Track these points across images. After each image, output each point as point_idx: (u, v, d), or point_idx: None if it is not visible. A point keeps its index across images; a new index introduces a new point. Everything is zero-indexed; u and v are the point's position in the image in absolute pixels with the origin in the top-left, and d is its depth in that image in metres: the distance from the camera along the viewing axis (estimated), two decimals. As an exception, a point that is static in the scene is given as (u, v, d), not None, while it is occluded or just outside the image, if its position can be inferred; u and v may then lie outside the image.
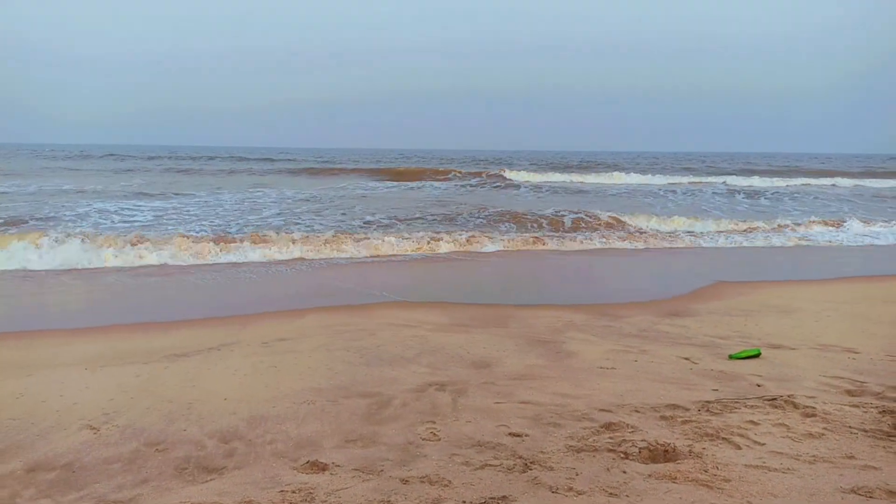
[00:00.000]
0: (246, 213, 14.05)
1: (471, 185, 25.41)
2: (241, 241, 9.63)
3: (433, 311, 5.84)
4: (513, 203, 17.88)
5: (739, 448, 2.80)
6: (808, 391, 3.59)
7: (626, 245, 10.84)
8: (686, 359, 4.33)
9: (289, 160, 44.97)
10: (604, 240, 11.24)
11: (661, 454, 2.76)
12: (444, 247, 9.93)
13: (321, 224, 12.34)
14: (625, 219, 13.16)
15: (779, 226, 13.23)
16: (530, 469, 2.64)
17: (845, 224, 13.50)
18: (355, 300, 6.44)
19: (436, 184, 25.80)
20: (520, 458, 2.75)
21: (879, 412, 3.20)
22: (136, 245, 8.59)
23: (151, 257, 8.32)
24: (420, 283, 7.87)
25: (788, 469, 2.59)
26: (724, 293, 6.87)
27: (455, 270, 8.61)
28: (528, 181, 27.65)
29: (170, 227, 11.57)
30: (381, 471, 2.66)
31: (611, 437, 2.94)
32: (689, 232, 12.37)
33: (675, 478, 2.52)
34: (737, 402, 3.39)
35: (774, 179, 29.61)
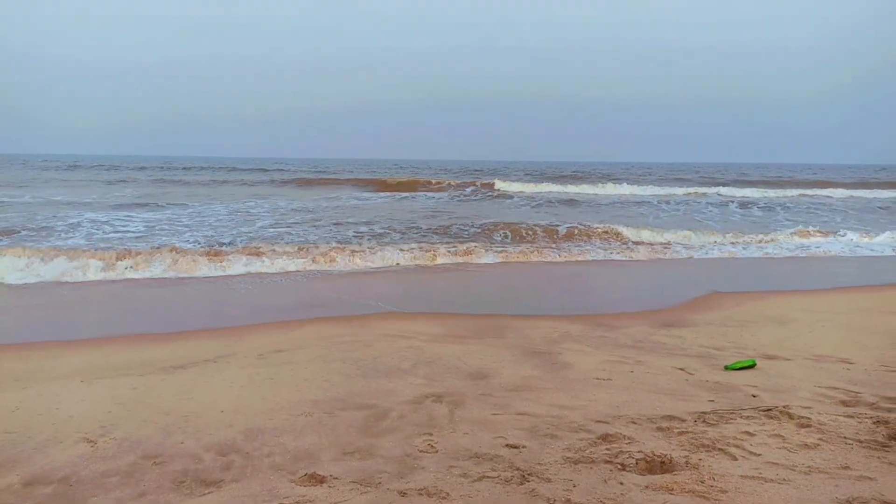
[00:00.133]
0: (239, 224, 14.04)
1: (464, 195, 25.51)
2: (234, 253, 9.64)
3: (429, 322, 5.85)
4: (506, 214, 17.94)
5: (735, 459, 2.82)
6: (803, 402, 3.62)
7: (619, 256, 10.89)
8: (682, 369, 4.35)
9: (281, 170, 45.04)
10: (598, 250, 11.30)
11: (658, 465, 2.78)
12: (439, 258, 9.95)
13: (315, 235, 12.35)
14: (619, 229, 13.22)
15: (772, 237, 13.31)
16: (528, 481, 2.65)
17: (839, 234, 13.61)
18: (351, 311, 6.45)
19: (429, 194, 25.89)
20: (517, 469, 2.76)
21: (874, 422, 3.23)
22: (122, 259, 8.54)
23: (143, 272, 8.28)
24: (415, 293, 7.88)
25: (784, 480, 2.61)
26: (719, 304, 6.91)
27: (450, 281, 8.63)
28: (520, 192, 27.69)
29: (163, 238, 11.57)
30: (379, 483, 2.66)
31: (607, 449, 2.95)
32: (682, 243, 12.44)
33: (672, 489, 2.54)
34: (732, 413, 3.41)
35: (767, 190, 29.80)
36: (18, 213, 15.02)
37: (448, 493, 2.55)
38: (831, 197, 27.16)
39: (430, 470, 2.78)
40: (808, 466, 2.73)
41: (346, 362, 4.53)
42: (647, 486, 2.57)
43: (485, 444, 3.06)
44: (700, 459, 2.81)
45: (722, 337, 5.35)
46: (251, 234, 12.28)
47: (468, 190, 28.34)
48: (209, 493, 2.61)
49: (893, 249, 12.21)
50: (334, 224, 14.37)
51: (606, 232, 13.03)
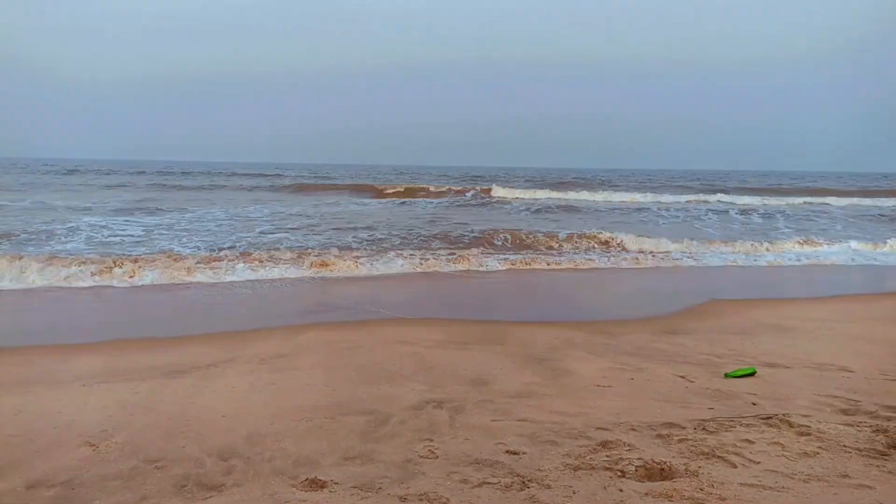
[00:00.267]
0: (238, 229, 14.07)
1: (463, 201, 25.54)
2: (233, 259, 9.68)
3: (430, 328, 5.87)
4: (505, 220, 17.96)
5: (735, 467, 2.83)
6: (802, 410, 3.63)
7: (619, 263, 10.91)
8: (682, 377, 4.36)
9: (280, 175, 45.14)
10: (597, 258, 11.32)
11: (658, 472, 2.79)
12: (439, 264, 9.97)
13: (314, 241, 12.36)
14: (617, 236, 13.24)
15: (772, 245, 13.32)
16: (528, 487, 2.66)
17: (840, 243, 13.62)
18: (352, 317, 6.47)
19: (428, 200, 25.89)
20: (517, 475, 2.77)
21: (873, 431, 3.24)
22: (122, 265, 8.54)
23: (142, 277, 8.28)
24: (416, 299, 7.90)
25: (783, 488, 2.62)
26: (719, 311, 6.92)
27: (450, 287, 8.65)
28: (519, 198, 27.69)
29: (162, 243, 11.59)
30: (380, 488, 2.67)
31: (607, 456, 2.96)
32: (682, 250, 12.45)
33: (672, 496, 2.55)
34: (732, 421, 3.42)
35: (768, 197, 29.84)
36: (17, 217, 15.07)
37: (448, 499, 2.56)
38: (831, 205, 27.20)
39: (430, 476, 2.79)
40: (808, 475, 2.74)
41: (347, 368, 4.55)
42: (646, 493, 2.58)
43: (485, 450, 3.07)
44: (699, 467, 2.82)
45: (722, 344, 5.36)
46: (251, 240, 12.30)
47: (468, 195, 28.40)
48: (210, 497, 2.62)
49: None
50: (334, 229, 14.40)
51: (606, 240, 13.04)
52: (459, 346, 5.26)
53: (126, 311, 6.91)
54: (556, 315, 6.87)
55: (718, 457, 2.93)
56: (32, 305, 7.02)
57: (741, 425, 3.35)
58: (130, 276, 8.31)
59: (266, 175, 45.96)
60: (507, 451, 3.04)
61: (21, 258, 8.67)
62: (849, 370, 4.53)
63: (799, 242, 13.56)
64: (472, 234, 13.49)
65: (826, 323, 6.30)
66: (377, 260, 10.07)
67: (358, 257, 10.24)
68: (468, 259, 10.38)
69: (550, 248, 12.40)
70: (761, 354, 5.02)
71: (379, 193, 29.75)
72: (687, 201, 28.02)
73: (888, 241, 13.70)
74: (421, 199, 26.52)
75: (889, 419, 3.44)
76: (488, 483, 2.70)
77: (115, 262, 8.81)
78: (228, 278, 8.53)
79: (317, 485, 2.71)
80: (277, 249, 10.81)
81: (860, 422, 3.40)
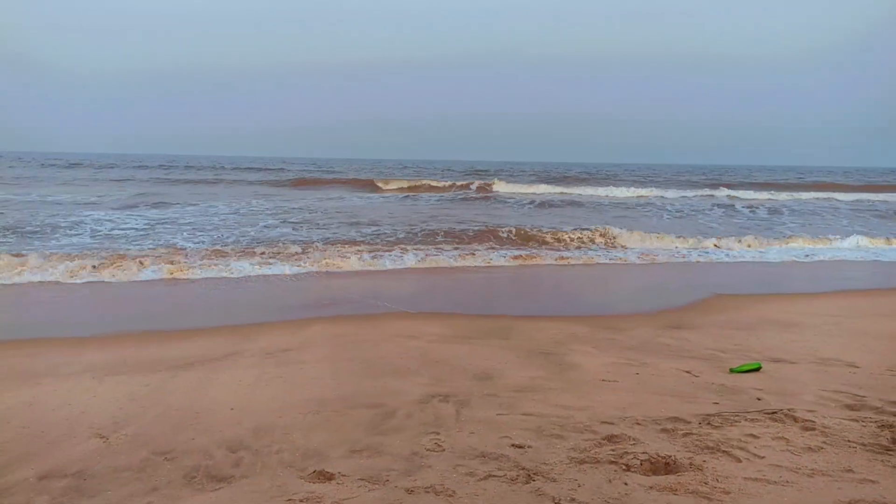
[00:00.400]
0: (242, 223, 14.11)
1: (467, 196, 25.52)
2: (238, 253, 9.74)
3: (435, 323, 5.89)
4: (509, 215, 17.95)
5: (739, 461, 2.84)
6: (807, 405, 3.64)
7: (622, 258, 10.90)
8: (687, 372, 4.37)
9: (284, 170, 45.20)
10: (601, 253, 11.31)
11: (662, 466, 2.81)
12: (443, 259, 9.99)
13: (318, 235, 12.40)
14: (622, 232, 13.22)
15: (777, 239, 13.28)
16: (533, 480, 2.68)
17: (845, 238, 13.56)
18: (357, 311, 6.50)
19: (432, 195, 25.88)
20: (523, 469, 2.79)
21: (878, 426, 3.25)
22: (130, 258, 8.58)
23: (147, 272, 8.32)
24: (421, 294, 7.92)
25: (787, 482, 2.63)
26: (724, 306, 6.92)
27: (455, 282, 8.67)
28: (523, 193, 27.60)
29: (166, 237, 11.64)
30: (387, 480, 2.70)
31: (612, 450, 2.98)
32: (685, 245, 12.43)
33: (676, 490, 2.57)
34: (737, 416, 3.43)
35: (774, 192, 29.69)
36: (22, 211, 15.16)
37: (455, 492, 2.59)
38: (839, 200, 27.03)
39: (436, 468, 2.82)
40: (812, 469, 2.76)
41: (353, 362, 4.58)
42: (651, 487, 2.60)
43: (491, 443, 3.10)
44: (704, 461, 2.84)
45: (727, 339, 5.37)
46: (255, 234, 12.34)
47: (471, 189, 28.37)
48: (220, 488, 2.66)
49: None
50: (337, 224, 14.43)
51: (607, 234, 13.02)
52: (464, 340, 5.28)
53: (132, 304, 6.96)
54: (560, 309, 6.89)
55: (723, 451, 2.94)
56: (39, 299, 7.08)
57: (746, 420, 3.36)
58: (135, 270, 8.36)
59: (269, 169, 46.05)
60: (512, 445, 3.07)
61: (27, 253, 8.73)
62: (854, 366, 4.53)
63: (804, 239, 13.51)
64: (476, 229, 13.50)
65: (831, 318, 6.29)
66: (382, 254, 10.10)
67: (362, 252, 10.28)
68: (472, 254, 10.40)
69: (553, 243, 12.39)
70: (766, 349, 5.02)
71: (382, 188, 29.75)
72: (691, 196, 27.90)
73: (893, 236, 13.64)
74: (424, 194, 26.52)
75: (894, 415, 3.44)
76: (494, 476, 2.73)
77: (120, 256, 8.87)
78: (233, 272, 8.57)
79: (324, 477, 2.74)
80: (282, 244, 10.86)
81: (865, 417, 3.41)
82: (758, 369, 4.40)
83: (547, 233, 13.04)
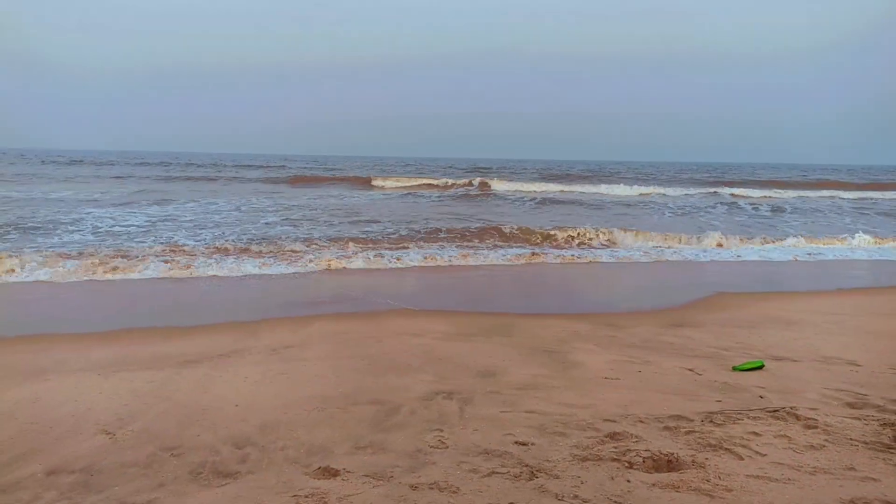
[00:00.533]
0: (243, 221, 14.13)
1: (467, 193, 25.55)
2: (240, 251, 9.78)
3: (438, 320, 5.92)
4: (508, 214, 17.95)
5: (742, 459, 2.86)
6: (810, 403, 3.65)
7: (623, 256, 10.91)
8: (690, 370, 4.39)
9: (284, 167, 45.29)
10: (602, 251, 11.32)
11: (665, 464, 2.82)
12: (444, 256, 10.00)
13: (319, 232, 12.42)
14: (623, 230, 13.22)
15: (780, 239, 13.27)
16: (536, 477, 2.70)
17: (848, 237, 13.55)
18: (360, 308, 6.52)
19: (433, 193, 25.89)
20: (526, 466, 2.81)
21: (880, 424, 3.26)
22: (133, 257, 8.61)
23: (150, 270, 8.35)
24: (424, 291, 7.94)
25: (789, 480, 2.65)
26: (726, 304, 6.93)
27: (456, 279, 8.69)
28: (525, 191, 27.52)
29: (168, 234, 11.67)
30: (391, 477, 2.72)
31: (615, 447, 3.00)
32: (688, 244, 12.43)
33: (678, 487, 2.58)
34: (740, 414, 3.44)
35: (777, 190, 29.64)
36: (24, 208, 15.22)
37: (458, 488, 2.61)
38: (842, 198, 26.97)
39: (440, 465, 2.84)
40: (814, 467, 2.77)
41: (356, 359, 4.60)
42: (653, 484, 2.62)
43: (494, 440, 3.12)
44: (706, 459, 2.85)
45: (729, 337, 5.38)
46: (256, 231, 12.36)
47: (473, 187, 28.37)
48: (226, 484, 2.68)
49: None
50: (339, 221, 14.45)
51: (610, 232, 13.02)
52: (467, 337, 5.30)
53: (135, 301, 6.99)
54: (562, 307, 6.90)
55: (725, 449, 2.96)
56: (42, 297, 7.11)
57: (748, 418, 3.37)
58: (139, 268, 8.39)
59: (270, 166, 46.11)
60: (515, 442, 3.09)
61: (29, 251, 8.77)
62: (856, 364, 4.54)
63: (807, 237, 13.50)
64: (478, 227, 13.52)
65: (833, 316, 6.30)
66: (384, 252, 10.12)
67: (364, 249, 10.30)
68: (474, 251, 10.41)
69: (555, 241, 12.40)
70: (769, 347, 5.03)
71: (383, 185, 29.77)
72: (694, 194, 27.85)
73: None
74: (425, 191, 26.55)
75: (896, 413, 3.46)
76: (497, 473, 2.75)
77: (122, 253, 8.89)
78: (235, 270, 8.59)
79: (329, 473, 2.76)
80: (284, 241, 10.88)
81: (867, 415, 3.43)
82: (760, 367, 4.42)
83: (548, 231, 13.05)
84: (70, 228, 12.11)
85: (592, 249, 11.62)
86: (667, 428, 3.24)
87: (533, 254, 10.59)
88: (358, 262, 9.38)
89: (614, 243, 12.37)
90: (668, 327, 5.77)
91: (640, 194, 27.08)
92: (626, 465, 2.80)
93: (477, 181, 30.15)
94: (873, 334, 5.61)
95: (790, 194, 28.26)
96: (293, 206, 18.06)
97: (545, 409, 3.58)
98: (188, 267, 8.55)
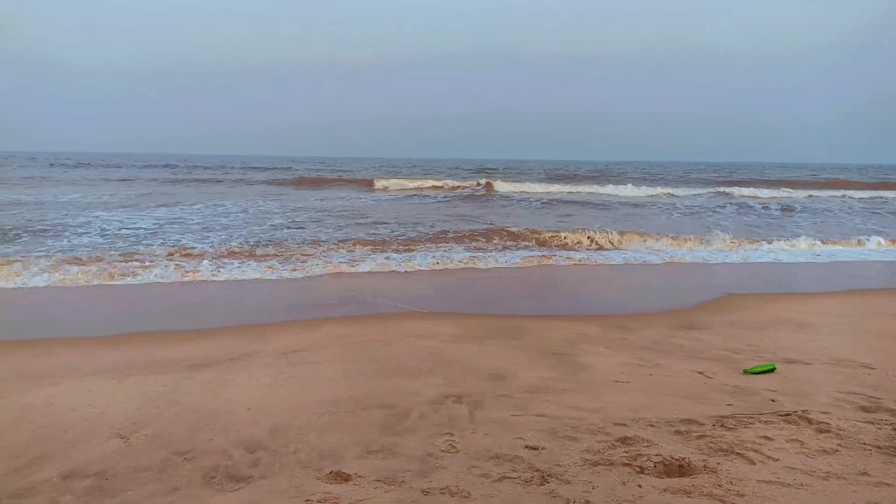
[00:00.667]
0: (250, 223, 14.19)
1: (473, 194, 25.55)
2: (247, 253, 9.83)
3: (447, 323, 5.92)
4: (514, 215, 17.92)
5: (754, 463, 2.85)
6: (822, 407, 3.63)
7: (634, 258, 10.88)
8: (700, 373, 4.37)
9: (290, 169, 45.54)
10: (610, 252, 11.29)
11: (676, 469, 2.82)
12: (451, 258, 10.01)
13: (325, 234, 12.45)
14: (630, 231, 13.18)
15: (790, 239, 13.18)
16: (547, 482, 2.70)
17: (859, 237, 13.44)
18: (369, 311, 6.54)
19: (438, 194, 25.91)
20: (537, 470, 2.82)
21: (894, 429, 3.24)
22: (142, 260, 8.68)
23: (159, 273, 8.40)
24: (432, 293, 7.95)
25: (802, 485, 2.64)
26: (736, 306, 6.89)
27: (465, 281, 8.69)
28: (533, 191, 27.50)
29: (176, 237, 11.74)
30: (403, 482, 2.73)
31: (626, 452, 2.99)
32: (697, 246, 12.37)
33: (690, 492, 2.58)
34: (751, 418, 3.43)
35: (787, 190, 29.45)
36: (33, 211, 15.37)
37: (469, 493, 2.61)
38: (853, 198, 26.76)
39: (451, 469, 2.85)
40: (827, 472, 2.76)
41: (366, 362, 4.62)
42: (665, 490, 2.61)
43: (505, 444, 3.12)
44: (718, 463, 2.85)
45: (740, 339, 5.35)
46: (263, 234, 12.41)
47: (479, 188, 28.37)
48: (239, 488, 2.70)
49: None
50: (346, 223, 14.48)
51: (618, 234, 12.98)
52: (476, 340, 5.30)
53: (145, 305, 7.03)
54: (570, 309, 6.89)
55: (737, 453, 2.95)
56: (53, 300, 7.18)
57: (760, 422, 3.36)
58: (144, 271, 8.44)
59: (276, 168, 46.33)
60: (526, 446, 3.09)
61: (37, 256, 8.84)
62: (869, 367, 4.51)
63: (818, 240, 13.41)
64: (484, 228, 13.51)
65: (845, 318, 6.25)
66: (391, 254, 10.14)
67: (371, 251, 10.32)
68: (482, 252, 10.40)
69: (562, 242, 12.38)
70: (780, 350, 5.01)
71: (388, 187, 29.82)
72: (702, 194, 27.71)
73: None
74: (431, 193, 26.58)
75: (909, 417, 3.43)
76: (508, 477, 2.75)
77: (131, 256, 8.95)
78: (243, 273, 8.64)
79: (341, 477, 2.78)
80: (291, 243, 10.92)
81: (880, 419, 3.40)
82: (772, 370, 4.39)
83: (556, 232, 13.02)
84: (79, 231, 12.21)
85: (600, 251, 11.59)
86: (678, 432, 3.23)
87: (542, 255, 10.57)
88: (366, 265, 9.41)
89: (622, 244, 12.33)
90: (678, 329, 5.75)
91: (648, 195, 26.94)
92: (638, 469, 2.80)
93: (483, 182, 30.11)
94: (886, 336, 5.57)
95: (800, 194, 28.08)
96: (299, 207, 18.12)
97: (555, 412, 3.58)
98: (196, 271, 8.60)
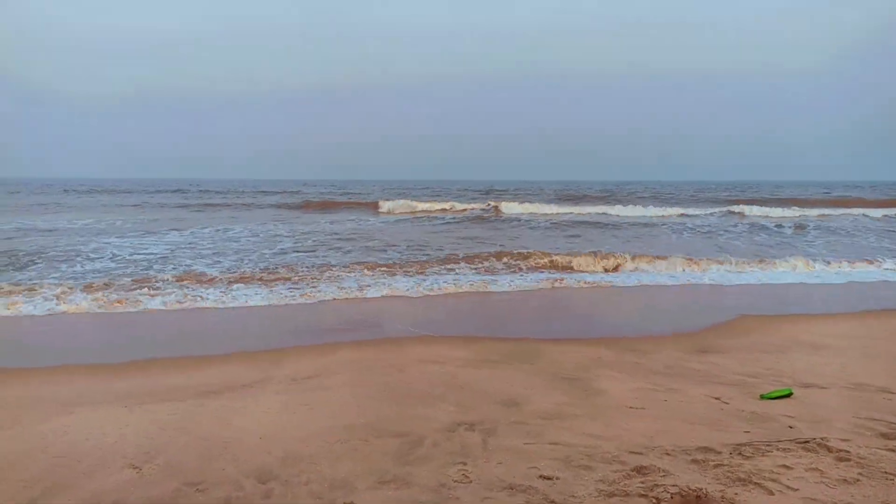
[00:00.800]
0: (261, 247, 14.28)
1: (484, 215, 25.61)
2: (259, 278, 9.90)
3: (459, 347, 5.90)
4: (523, 237, 17.90)
5: (772, 494, 2.79)
6: (841, 433, 3.56)
7: (647, 281, 10.81)
8: (716, 398, 4.31)
9: (298, 192, 46.17)
10: (622, 274, 11.23)
11: (694, 500, 2.77)
12: (461, 282, 10.00)
13: (335, 259, 12.49)
14: (641, 253, 13.12)
15: (803, 260, 13.06)
16: (563, 513, 2.66)
17: (874, 258, 13.28)
18: (381, 335, 6.53)
19: (446, 216, 26.00)
20: (551, 501, 2.78)
21: (916, 456, 3.17)
22: (141, 288, 8.75)
23: (170, 298, 8.47)
24: (443, 317, 7.93)
25: (824, 516, 2.58)
26: (750, 328, 6.81)
27: (477, 305, 8.67)
28: (543, 213, 27.53)
29: (187, 262, 11.82)
30: (416, 513, 2.70)
31: (642, 482, 2.95)
32: (710, 267, 12.28)
33: (710, 524, 2.53)
34: (769, 445, 3.37)
35: (794, 209, 29.25)
36: (46, 237, 15.58)
37: (484, 525, 2.58)
38: (868, 216, 26.51)
39: (464, 501, 2.82)
40: (848, 502, 2.70)
41: (378, 387, 4.60)
42: (683, 521, 2.56)
43: (518, 474, 3.08)
44: (736, 494, 2.79)
45: (756, 363, 5.28)
46: (274, 258, 12.47)
47: (489, 209, 28.45)
48: (251, 520, 2.68)
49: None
50: (356, 247, 14.53)
51: (628, 256, 12.93)
52: (488, 364, 5.27)
53: (155, 331, 7.07)
54: (583, 332, 6.84)
55: (755, 483, 2.89)
56: (64, 327, 7.24)
57: (778, 450, 3.30)
58: (156, 297, 8.50)
59: (287, 192, 46.82)
60: (540, 476, 3.05)
61: (50, 282, 8.94)
62: (889, 391, 4.43)
63: (831, 259, 13.27)
64: (494, 251, 13.51)
65: (862, 340, 6.16)
66: (401, 278, 10.15)
67: (381, 275, 10.34)
68: (492, 274, 10.38)
69: (572, 264, 12.34)
70: (796, 373, 4.93)
71: (396, 210, 30.00)
72: (712, 214, 27.59)
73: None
74: (439, 215, 26.71)
75: (932, 444, 3.35)
76: (523, 508, 2.71)
77: (140, 283, 9.03)
78: (253, 298, 8.67)
79: (354, 509, 2.75)
80: (301, 268, 10.97)
81: (902, 447, 3.33)
82: (789, 395, 4.33)
83: (566, 254, 12.99)
84: (91, 256, 12.35)
85: (611, 272, 11.54)
86: (694, 461, 3.18)
87: (553, 279, 10.54)
88: (376, 289, 9.42)
89: (633, 266, 12.27)
90: (693, 353, 5.69)
91: (659, 216, 26.87)
92: (654, 501, 2.75)
93: (492, 204, 30.21)
94: (905, 359, 5.47)
95: (813, 212, 27.87)
96: (311, 231, 18.23)
97: (570, 440, 3.54)
98: (206, 297, 8.65)
